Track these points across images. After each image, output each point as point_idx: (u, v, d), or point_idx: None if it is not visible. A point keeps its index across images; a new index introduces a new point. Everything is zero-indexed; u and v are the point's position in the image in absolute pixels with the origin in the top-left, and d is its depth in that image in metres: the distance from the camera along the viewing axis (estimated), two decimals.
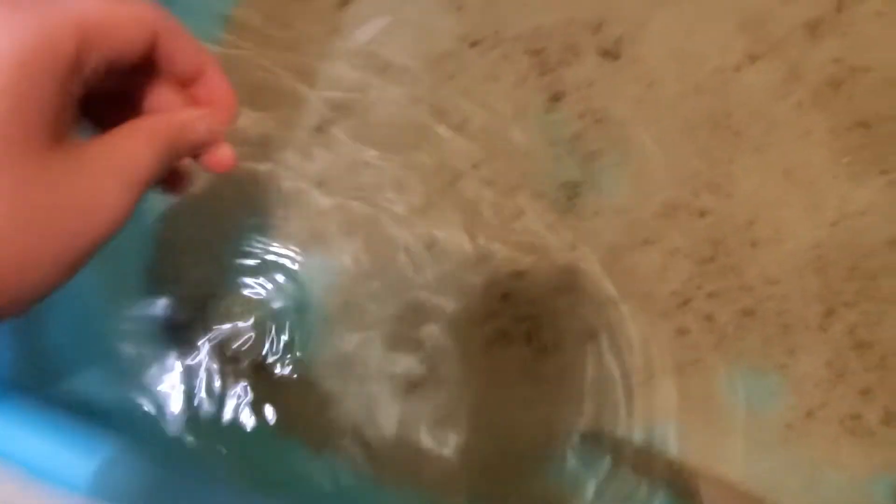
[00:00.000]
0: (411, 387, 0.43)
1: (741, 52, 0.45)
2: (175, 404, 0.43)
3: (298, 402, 0.44)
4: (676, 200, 0.44)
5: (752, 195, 0.44)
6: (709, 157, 0.45)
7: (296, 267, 0.45)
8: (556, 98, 0.47)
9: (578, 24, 0.47)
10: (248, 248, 0.45)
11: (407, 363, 0.43)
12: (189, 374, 0.43)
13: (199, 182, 0.48)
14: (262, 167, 0.45)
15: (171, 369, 0.44)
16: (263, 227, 0.45)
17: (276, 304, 0.45)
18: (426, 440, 0.42)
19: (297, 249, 0.45)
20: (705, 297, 0.43)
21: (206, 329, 0.45)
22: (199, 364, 0.44)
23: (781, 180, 0.44)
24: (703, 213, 0.44)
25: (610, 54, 0.46)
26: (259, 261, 0.44)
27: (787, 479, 0.39)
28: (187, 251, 0.46)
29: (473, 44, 0.48)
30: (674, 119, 0.45)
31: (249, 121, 0.46)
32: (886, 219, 0.43)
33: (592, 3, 0.48)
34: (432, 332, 0.43)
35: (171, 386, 0.42)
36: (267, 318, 0.44)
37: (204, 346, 0.44)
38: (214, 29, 0.49)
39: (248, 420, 0.44)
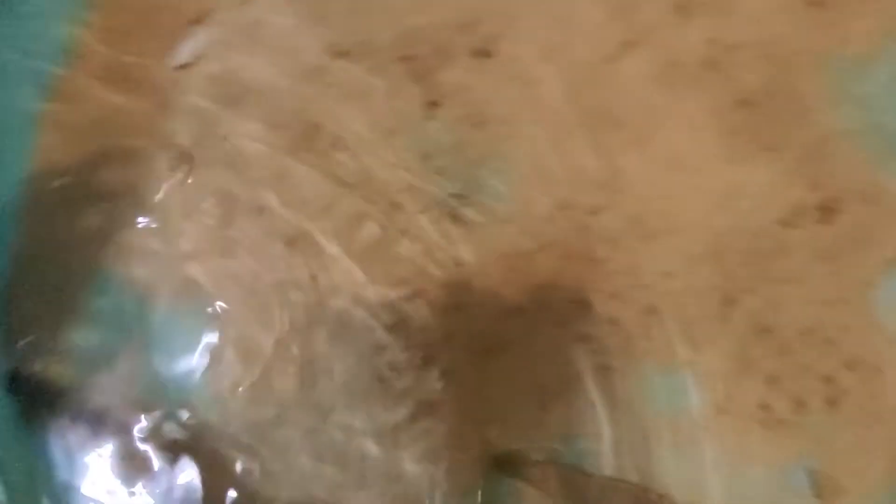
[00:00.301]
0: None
1: (615, 42, 0.43)
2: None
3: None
4: (566, 201, 0.42)
5: (640, 188, 0.42)
6: (594, 153, 0.42)
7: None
8: (433, 105, 0.44)
9: (449, 26, 0.44)
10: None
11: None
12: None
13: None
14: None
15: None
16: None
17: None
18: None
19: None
20: (605, 298, 0.40)
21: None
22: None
23: (669, 169, 0.42)
24: (594, 212, 0.42)
25: (483, 53, 0.44)
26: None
27: (709, 480, 0.38)
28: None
29: (341, 55, 0.45)
30: (554, 117, 0.43)
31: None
32: (775, 197, 0.41)
33: (460, 1, 0.45)
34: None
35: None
36: None
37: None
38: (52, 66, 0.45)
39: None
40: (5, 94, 0.45)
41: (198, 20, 0.44)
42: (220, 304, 0.41)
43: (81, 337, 0.42)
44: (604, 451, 0.38)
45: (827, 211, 0.40)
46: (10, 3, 0.46)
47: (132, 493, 0.41)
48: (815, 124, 0.41)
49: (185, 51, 0.43)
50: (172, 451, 0.40)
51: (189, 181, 0.42)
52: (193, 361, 0.42)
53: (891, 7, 0.42)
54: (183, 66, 0.44)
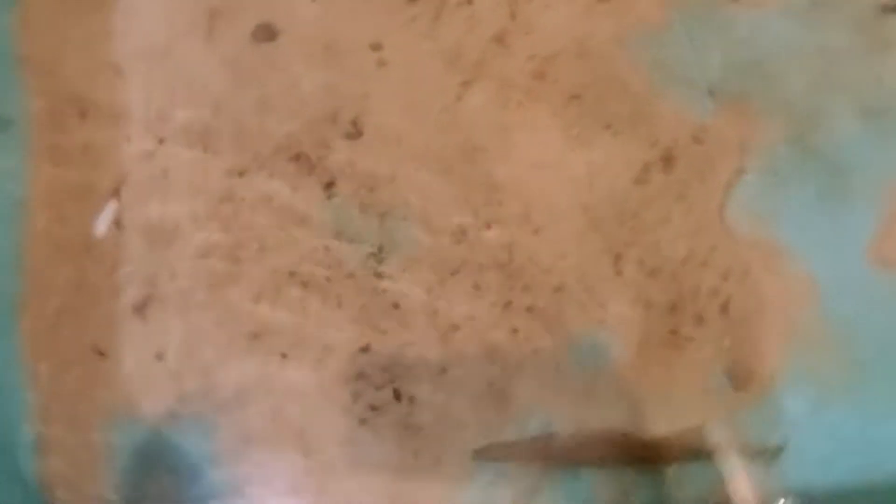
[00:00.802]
0: None
1: (455, 85, 0.50)
2: None
3: None
4: (462, 225, 0.49)
5: (518, 193, 0.49)
6: (470, 179, 0.49)
7: None
8: (329, 186, 0.51)
9: (318, 120, 0.51)
10: None
11: None
12: None
13: None
14: None
15: None
16: None
17: None
18: None
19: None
20: (520, 293, 0.47)
21: None
22: None
23: (535, 172, 0.49)
24: (488, 226, 0.49)
25: (353, 135, 0.51)
26: None
27: (647, 413, 0.44)
28: None
29: (241, 174, 0.52)
30: (430, 161, 0.50)
31: None
32: (624, 163, 0.48)
33: (321, 97, 0.51)
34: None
35: None
36: None
37: None
38: None
39: None
40: None
41: (116, 191, 0.50)
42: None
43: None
44: (559, 416, 0.44)
45: (668, 160, 0.48)
46: None
47: None
48: (633, 95, 0.49)
49: (106, 219, 0.50)
50: None
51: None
52: None
53: None
54: (112, 229, 0.50)
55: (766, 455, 0.42)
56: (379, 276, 0.47)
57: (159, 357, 0.48)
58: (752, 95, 0.48)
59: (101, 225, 0.51)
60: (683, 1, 0.49)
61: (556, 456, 0.44)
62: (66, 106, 0.53)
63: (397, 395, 0.46)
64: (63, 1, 0.55)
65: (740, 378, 0.43)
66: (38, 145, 0.53)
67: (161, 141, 0.52)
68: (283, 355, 0.47)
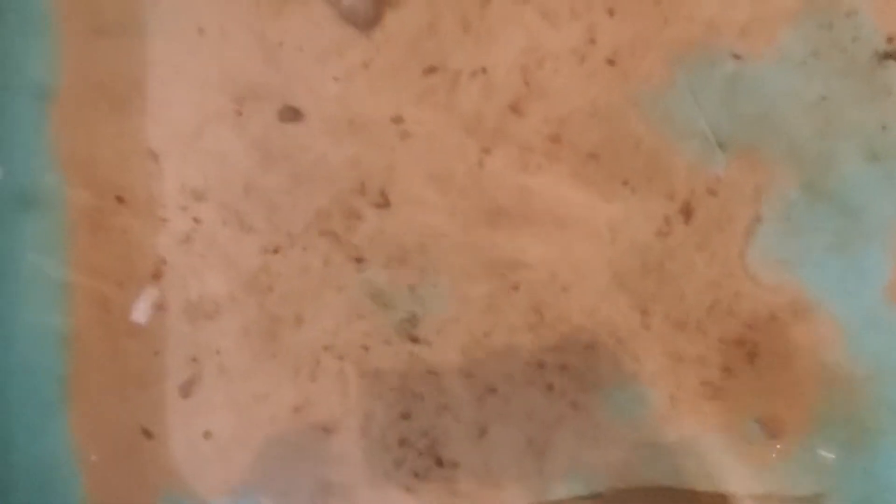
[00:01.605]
0: None
1: (476, 151, 0.52)
2: None
3: None
4: (490, 289, 0.50)
5: (543, 255, 0.50)
6: (496, 242, 0.50)
7: None
8: (360, 259, 0.52)
9: (345, 193, 0.53)
10: None
11: None
12: None
13: None
14: None
15: None
16: None
17: None
18: None
19: None
20: (552, 352, 0.48)
21: None
22: None
23: (558, 231, 0.51)
24: (516, 288, 0.50)
25: (381, 205, 0.52)
26: None
27: (683, 465, 0.45)
28: None
29: (275, 251, 0.53)
30: (456, 227, 0.51)
31: None
32: (645, 217, 0.49)
33: (347, 172, 0.53)
34: None
35: None
36: None
37: None
38: None
39: None
40: None
41: (156, 274, 0.52)
42: None
43: None
44: (601, 471, 0.45)
45: (686, 212, 0.49)
46: None
47: None
48: (647, 150, 0.50)
49: (145, 306, 0.51)
50: None
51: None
52: None
53: (664, 41, 0.52)
54: (152, 314, 0.52)
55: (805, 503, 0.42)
56: (414, 340, 0.48)
57: (206, 436, 0.49)
58: (762, 145, 0.49)
59: (140, 314, 0.52)
60: (685, 59, 0.51)
61: None
62: (104, 192, 0.55)
63: (439, 461, 0.46)
64: (97, 92, 0.58)
65: (773, 426, 0.44)
66: (78, 231, 0.55)
67: (197, 221, 0.54)
68: (325, 428, 0.48)
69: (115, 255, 0.53)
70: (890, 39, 0.49)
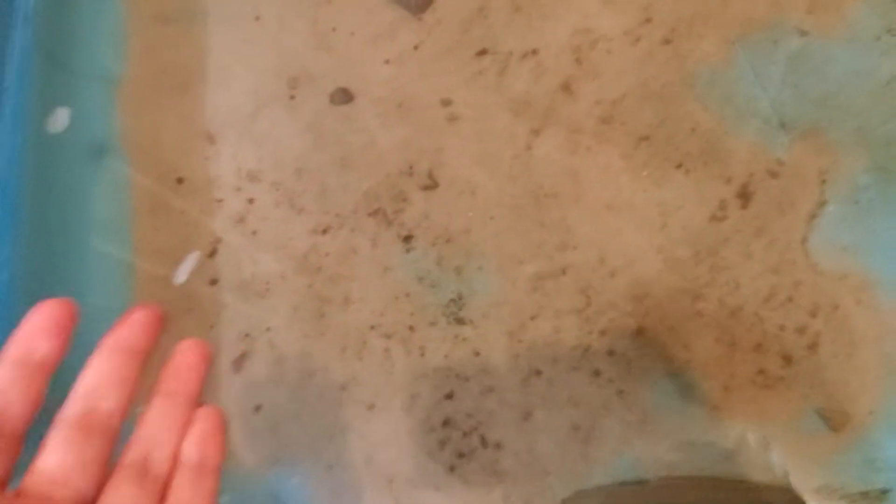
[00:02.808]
0: None
1: (525, 133, 0.51)
2: None
3: None
4: (539, 272, 0.49)
5: (592, 238, 0.49)
6: (544, 225, 0.50)
7: None
8: (408, 240, 0.52)
9: (394, 175, 0.53)
10: None
11: None
12: None
13: None
14: None
15: None
16: None
17: None
18: None
19: None
20: (598, 337, 0.47)
21: None
22: None
23: (608, 215, 0.49)
24: (564, 272, 0.49)
25: (430, 186, 0.52)
26: None
27: (735, 458, 0.43)
28: None
29: (324, 231, 0.53)
30: (503, 209, 0.51)
31: None
32: (698, 200, 0.47)
33: (397, 153, 0.54)
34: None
35: None
36: None
37: None
38: None
39: None
40: None
41: (212, 253, 0.53)
42: None
43: None
44: (647, 459, 0.43)
45: (744, 196, 0.46)
46: None
47: None
48: (703, 133, 0.48)
49: (187, 269, 0.52)
50: None
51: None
52: None
53: (725, 20, 0.50)
54: (212, 282, 0.53)
55: (869, 499, 0.39)
56: (460, 322, 0.48)
57: (257, 409, 0.49)
58: (828, 127, 0.46)
59: (182, 275, 0.53)
60: (747, 37, 0.49)
61: (647, 502, 0.43)
62: (165, 174, 0.57)
63: (483, 442, 0.46)
64: (160, 77, 0.59)
65: (836, 418, 0.41)
66: (140, 212, 0.56)
67: (251, 202, 0.54)
68: (371, 406, 0.48)
69: (174, 235, 0.55)
70: None
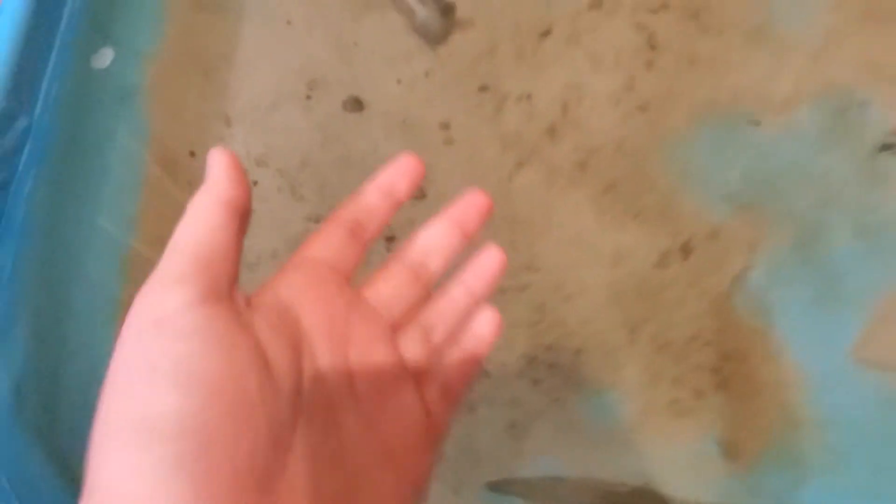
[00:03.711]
0: None
1: (510, 165, 0.58)
2: None
3: None
4: (502, 285, 0.55)
5: (554, 264, 0.56)
6: (513, 246, 0.56)
7: None
8: (391, 240, 0.58)
9: None
10: None
11: None
12: None
13: None
14: None
15: None
16: None
17: None
18: None
19: None
20: (545, 350, 0.53)
21: None
22: None
23: (570, 247, 0.56)
24: (524, 289, 0.55)
25: (417, 197, 0.58)
26: None
27: (644, 469, 0.49)
28: None
29: (318, 220, 0.59)
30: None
31: None
32: (648, 248, 0.55)
33: None
34: None
35: None
36: None
37: None
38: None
39: None
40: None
41: None
42: None
43: None
44: (568, 461, 0.49)
45: (686, 250, 0.54)
46: None
47: None
48: (661, 191, 0.55)
49: None
50: None
51: None
52: None
53: (693, 100, 0.58)
54: None
55: None
56: None
57: None
58: (764, 204, 0.54)
59: None
60: (709, 119, 0.57)
61: (561, 497, 0.49)
62: (180, 146, 0.62)
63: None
64: (190, 59, 0.65)
65: (731, 449, 0.48)
66: (151, 176, 0.61)
67: (255, 184, 0.60)
68: None
69: (180, 201, 0.60)
70: (894, 133, 0.54)
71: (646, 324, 0.52)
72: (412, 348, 0.24)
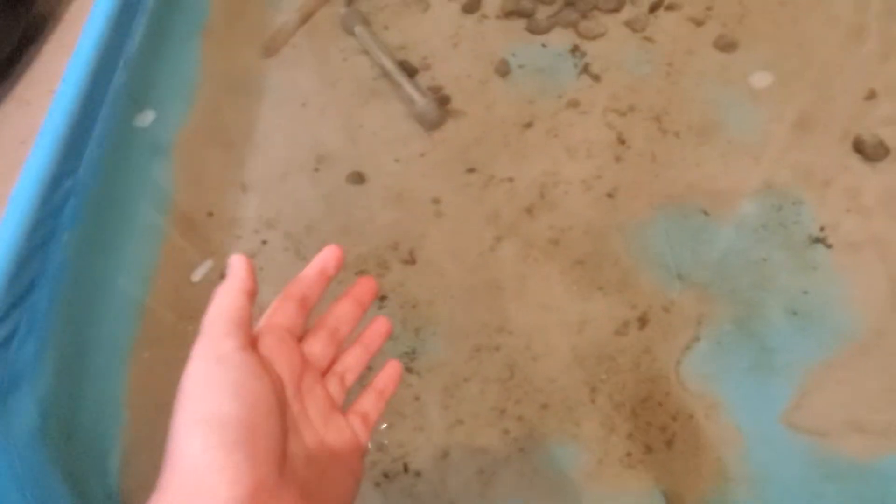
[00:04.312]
0: None
1: (491, 238, 0.66)
2: None
3: None
4: (478, 345, 0.62)
5: (524, 327, 0.63)
6: (490, 309, 0.63)
7: None
8: (383, 299, 0.65)
9: (382, 247, 0.67)
10: None
11: None
12: None
13: None
14: None
15: None
16: None
17: None
18: None
19: None
20: (514, 404, 0.59)
21: None
22: None
23: (540, 312, 0.63)
24: (497, 349, 0.62)
25: (408, 262, 0.66)
26: None
27: None
28: None
29: None
30: (462, 291, 0.64)
31: None
32: (609, 317, 0.62)
33: (388, 230, 0.68)
34: None
35: None
36: None
37: None
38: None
39: None
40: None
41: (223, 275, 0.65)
42: None
43: None
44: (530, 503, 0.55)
45: (643, 321, 0.61)
46: None
47: None
48: (622, 268, 0.63)
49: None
50: None
51: None
52: None
53: (653, 190, 0.66)
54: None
55: None
56: (409, 371, 0.60)
57: None
58: (710, 284, 0.62)
59: (198, 275, 0.66)
60: (666, 208, 0.65)
61: None
62: (198, 207, 0.70)
63: (406, 469, 0.57)
64: (214, 132, 0.74)
65: (675, 500, 0.54)
66: (170, 231, 0.69)
67: (264, 243, 0.67)
68: None
69: (194, 252, 0.67)
70: (822, 229, 0.63)
71: (604, 384, 0.59)
72: (333, 388, 0.35)
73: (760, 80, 0.72)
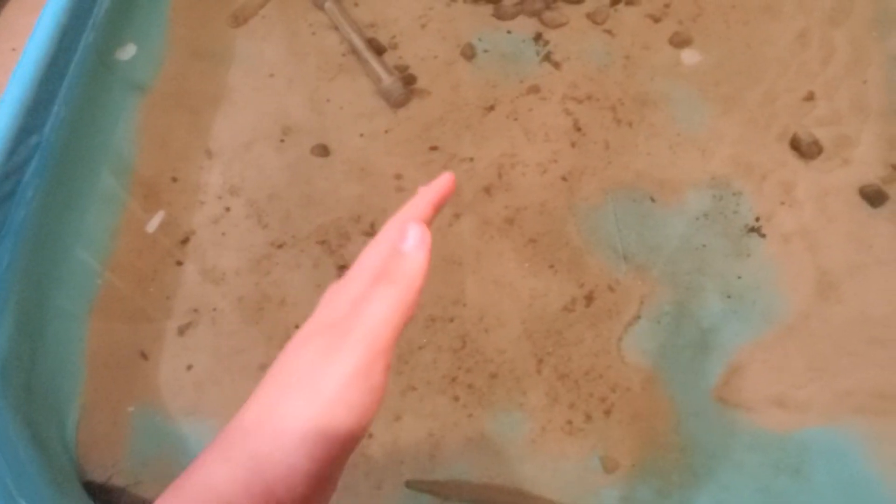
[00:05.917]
0: None
1: (449, 215, 0.68)
2: None
3: None
4: (433, 315, 0.64)
5: (478, 300, 0.65)
6: (446, 283, 0.65)
7: None
8: (342, 269, 0.66)
9: (345, 219, 0.68)
10: None
11: None
12: None
13: None
14: None
15: None
16: None
17: None
18: None
19: None
20: (465, 372, 0.62)
21: None
22: None
23: (493, 288, 0.65)
24: (451, 319, 0.64)
25: (369, 234, 0.67)
26: None
27: (539, 477, 0.58)
28: None
29: (279, 246, 0.67)
30: None
31: None
32: (558, 294, 0.65)
33: (350, 203, 0.69)
34: None
35: None
36: None
37: None
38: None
39: None
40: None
41: (184, 240, 0.65)
42: None
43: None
44: (476, 468, 0.57)
45: (589, 299, 0.64)
46: None
47: None
48: (572, 248, 0.66)
49: (156, 222, 0.65)
50: None
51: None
52: None
53: (605, 176, 0.69)
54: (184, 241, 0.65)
55: None
56: None
57: (189, 368, 0.60)
58: (653, 266, 0.65)
59: (152, 226, 0.66)
60: (616, 193, 0.68)
61: (467, 497, 0.56)
62: (164, 171, 0.69)
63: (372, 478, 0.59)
64: (181, 97, 0.73)
65: (610, 464, 0.57)
66: (135, 194, 0.68)
67: (227, 209, 0.68)
68: None
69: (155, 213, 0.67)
70: (757, 219, 0.66)
71: (550, 357, 0.61)
72: None
73: (690, 59, 0.76)
